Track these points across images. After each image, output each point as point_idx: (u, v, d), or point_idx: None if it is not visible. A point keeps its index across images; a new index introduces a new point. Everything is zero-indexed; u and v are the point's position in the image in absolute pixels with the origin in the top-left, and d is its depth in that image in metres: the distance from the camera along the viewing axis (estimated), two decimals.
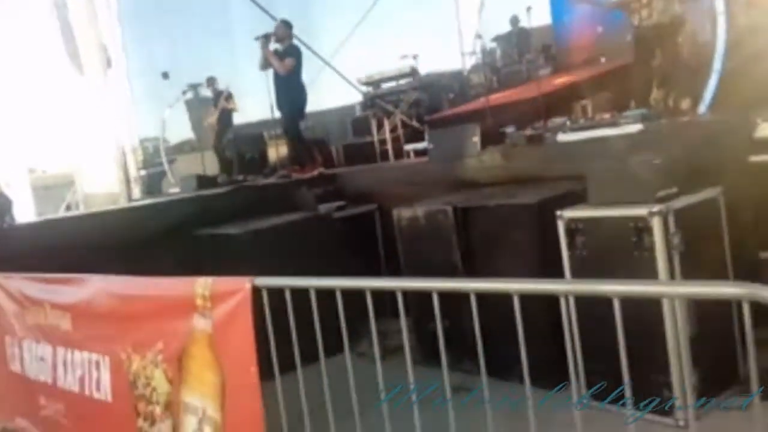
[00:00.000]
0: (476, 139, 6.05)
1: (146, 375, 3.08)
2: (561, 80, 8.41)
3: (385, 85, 10.85)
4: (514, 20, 10.56)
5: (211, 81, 10.76)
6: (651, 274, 3.42)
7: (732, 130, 4.20)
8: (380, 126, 9.42)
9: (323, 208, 6.33)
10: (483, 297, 2.20)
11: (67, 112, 10.03)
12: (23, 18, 10.13)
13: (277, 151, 9.65)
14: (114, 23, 10.58)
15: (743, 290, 1.63)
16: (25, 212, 9.83)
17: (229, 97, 10.28)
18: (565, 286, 2.59)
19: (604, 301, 1.96)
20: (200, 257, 5.46)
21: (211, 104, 10.70)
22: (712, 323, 3.52)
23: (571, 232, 3.85)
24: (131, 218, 6.18)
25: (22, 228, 6.18)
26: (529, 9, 10.25)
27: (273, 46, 8.03)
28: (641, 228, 3.49)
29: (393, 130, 9.29)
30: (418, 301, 3.60)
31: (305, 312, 2.59)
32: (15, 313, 4.01)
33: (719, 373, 3.64)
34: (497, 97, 8.27)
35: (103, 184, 9.93)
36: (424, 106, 9.91)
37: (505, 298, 2.10)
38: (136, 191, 10.34)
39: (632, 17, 5.97)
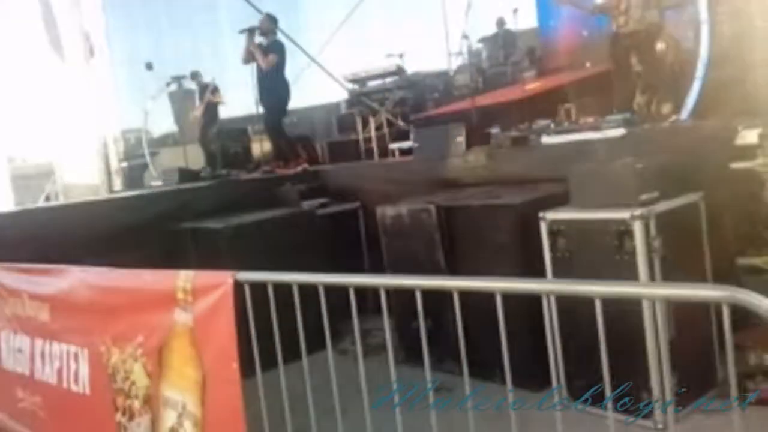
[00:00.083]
0: (461, 139, 6.06)
1: (125, 369, 3.05)
2: (546, 83, 8.46)
3: (371, 83, 10.83)
4: (500, 22, 10.61)
5: (195, 75, 10.68)
6: (632, 276, 3.44)
7: (714, 136, 4.25)
8: (365, 124, 9.43)
9: (307, 204, 6.32)
10: (466, 299, 2.20)
11: (48, 101, 9.86)
12: (3, 2, 9.94)
13: (262, 147, 9.60)
14: (98, 11, 10.42)
15: (724, 293, 1.64)
16: (3, 202, 9.71)
17: (215, 90, 10.21)
18: (548, 286, 2.59)
19: (586, 303, 1.97)
20: (182, 251, 5.43)
21: (196, 97, 10.62)
22: (690, 327, 3.57)
23: (553, 234, 3.88)
24: (112, 210, 6.09)
25: (1, 217, 6.09)
26: (515, 11, 10.33)
27: (257, 39, 8.00)
28: (623, 231, 3.52)
29: (378, 128, 9.30)
30: (401, 299, 3.63)
31: (287, 308, 2.59)
32: None
33: (698, 376, 3.69)
34: (483, 98, 8.29)
35: (84, 175, 9.78)
36: (409, 105, 9.93)
37: (487, 300, 2.09)
38: (118, 183, 10.21)
39: (613, 23, 6.05)
